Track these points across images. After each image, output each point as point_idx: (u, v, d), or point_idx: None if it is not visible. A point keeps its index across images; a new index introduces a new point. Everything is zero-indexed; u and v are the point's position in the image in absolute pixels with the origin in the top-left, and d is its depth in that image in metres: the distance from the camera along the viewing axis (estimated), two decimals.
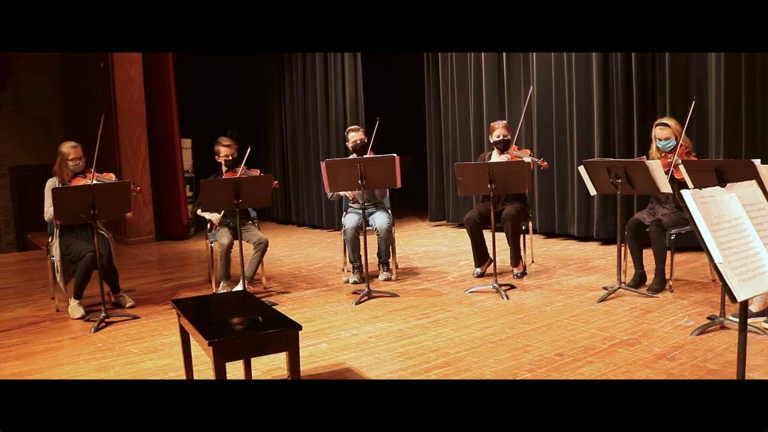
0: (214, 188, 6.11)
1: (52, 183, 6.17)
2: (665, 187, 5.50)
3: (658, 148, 5.90)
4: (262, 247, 6.60)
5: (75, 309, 6.08)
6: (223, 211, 6.76)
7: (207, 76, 13.63)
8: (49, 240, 6.36)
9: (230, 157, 6.79)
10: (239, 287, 6.44)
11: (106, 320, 5.83)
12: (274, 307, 5.66)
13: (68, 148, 6.23)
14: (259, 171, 6.75)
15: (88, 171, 6.25)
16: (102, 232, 6.25)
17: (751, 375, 3.88)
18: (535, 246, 7.89)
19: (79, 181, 6.14)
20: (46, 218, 6.14)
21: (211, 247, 6.88)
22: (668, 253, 5.87)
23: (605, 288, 6.07)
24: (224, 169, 6.80)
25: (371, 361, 4.55)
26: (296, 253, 9.18)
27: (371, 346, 4.90)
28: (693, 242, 6.75)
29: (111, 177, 6.30)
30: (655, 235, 5.78)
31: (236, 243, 6.42)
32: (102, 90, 11.04)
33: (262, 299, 5.78)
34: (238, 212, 6.26)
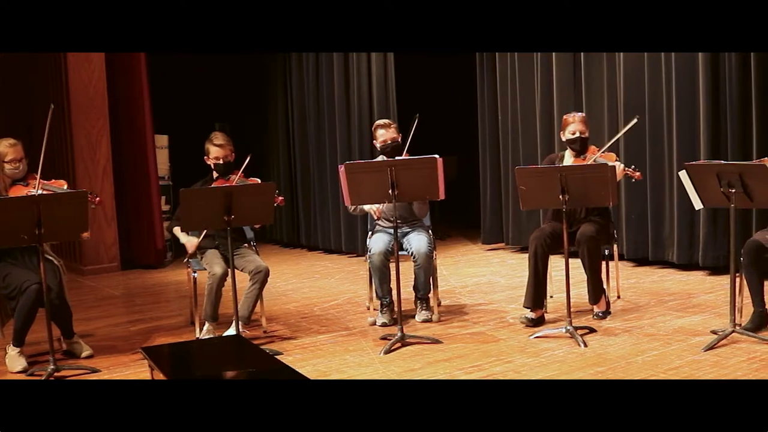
0: (197, 200, 6.11)
1: None
2: None
3: None
4: (261, 277, 6.59)
5: (14, 360, 6.09)
6: (203, 233, 6.71)
7: (190, 56, 13.66)
8: None
9: (221, 161, 6.74)
10: (231, 331, 6.37)
11: (56, 374, 5.82)
12: (277, 356, 5.66)
13: (5, 146, 6.23)
14: (258, 180, 6.75)
15: (32, 177, 6.27)
16: (50, 258, 6.29)
17: None
18: (621, 276, 7.83)
19: (20, 191, 6.18)
20: None
21: (194, 278, 6.92)
22: None
23: (714, 332, 6.02)
24: (215, 175, 6.81)
25: None
26: (306, 286, 9.21)
27: None
28: None
29: (62, 185, 6.35)
30: None
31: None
32: (49, 71, 11.07)
33: (262, 347, 5.77)
34: (230, 232, 6.19)
